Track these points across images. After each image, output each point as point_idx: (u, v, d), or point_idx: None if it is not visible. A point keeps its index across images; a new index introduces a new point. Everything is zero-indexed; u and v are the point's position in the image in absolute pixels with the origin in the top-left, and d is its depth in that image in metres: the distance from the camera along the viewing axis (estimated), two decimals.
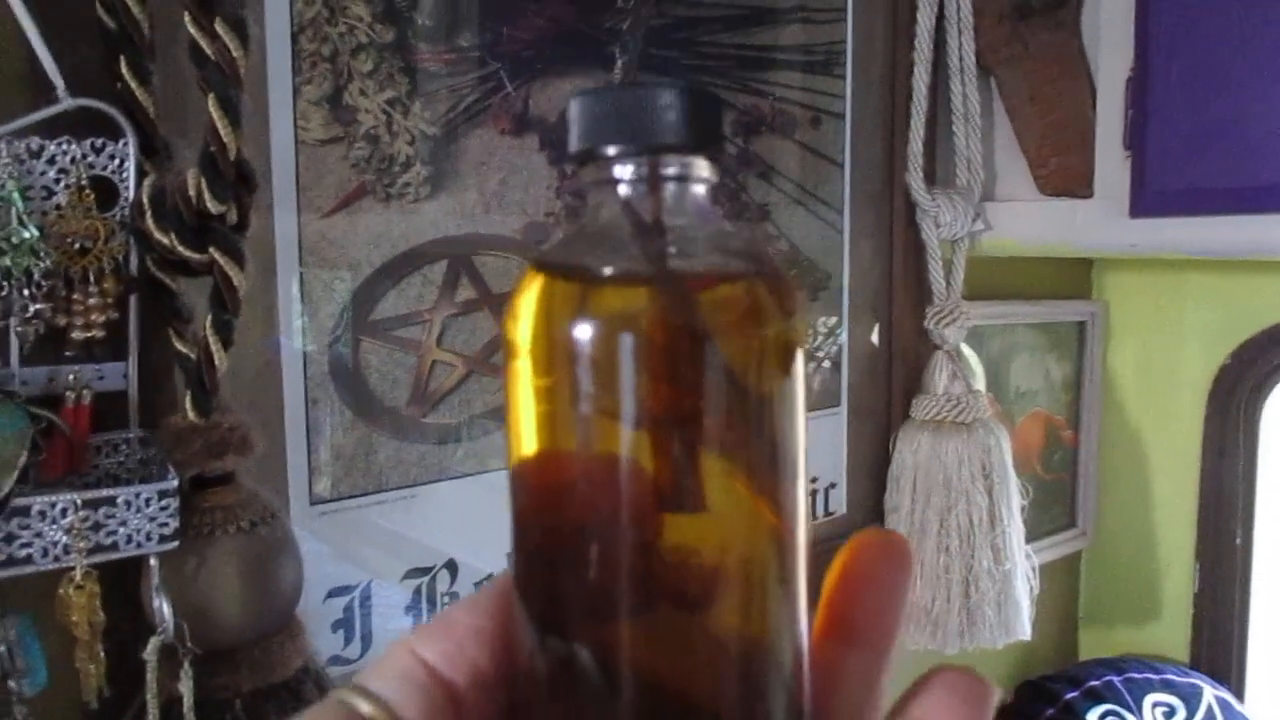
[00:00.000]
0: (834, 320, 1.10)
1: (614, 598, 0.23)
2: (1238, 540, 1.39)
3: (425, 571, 0.81)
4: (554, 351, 0.23)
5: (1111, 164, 1.08)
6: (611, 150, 0.24)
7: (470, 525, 0.83)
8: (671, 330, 0.22)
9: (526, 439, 0.24)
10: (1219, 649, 1.41)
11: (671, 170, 0.24)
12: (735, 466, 0.23)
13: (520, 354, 0.24)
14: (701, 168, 0.25)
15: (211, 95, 0.55)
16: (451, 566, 0.82)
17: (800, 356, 0.24)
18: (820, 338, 1.09)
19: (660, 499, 0.23)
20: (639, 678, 0.23)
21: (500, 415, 0.83)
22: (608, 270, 0.24)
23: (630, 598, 0.23)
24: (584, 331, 0.22)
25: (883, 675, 0.26)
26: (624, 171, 0.24)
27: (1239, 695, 1.38)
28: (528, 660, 0.24)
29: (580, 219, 0.24)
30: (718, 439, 0.23)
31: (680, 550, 0.23)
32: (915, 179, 1.10)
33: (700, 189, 0.25)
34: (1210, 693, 1.34)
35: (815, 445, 1.10)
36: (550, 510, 0.24)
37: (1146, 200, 1.03)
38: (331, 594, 0.76)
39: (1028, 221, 1.16)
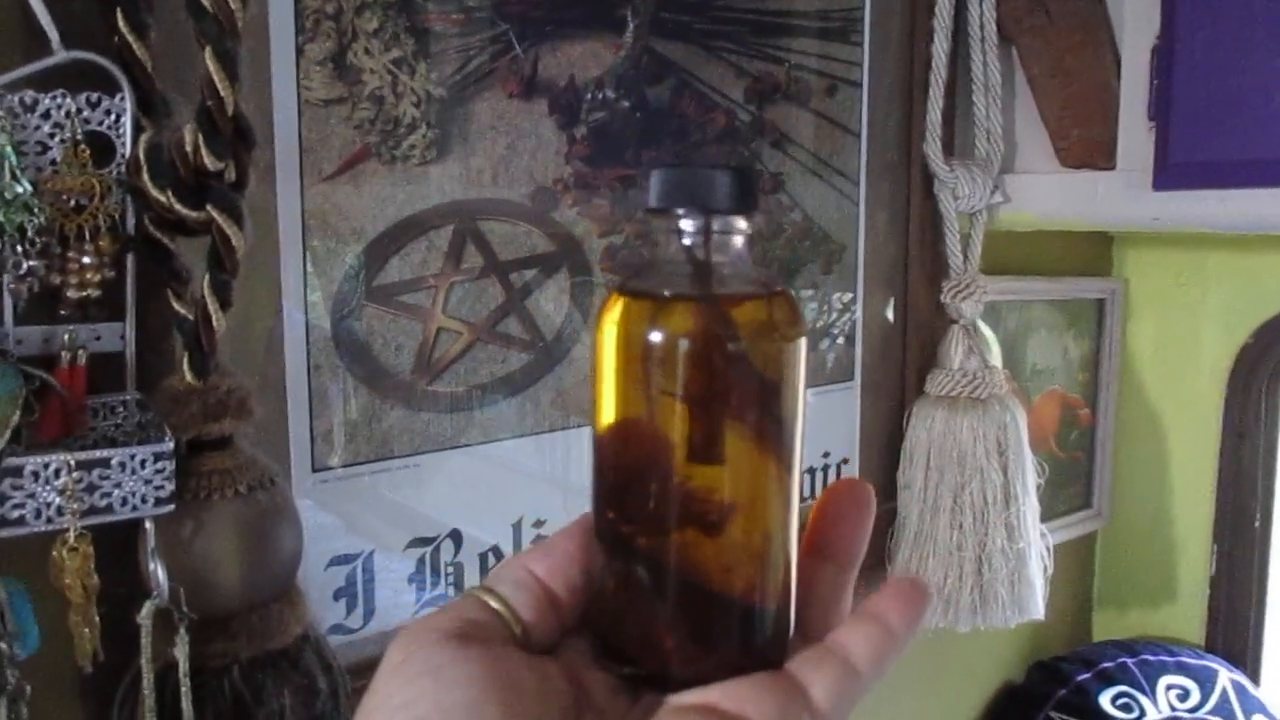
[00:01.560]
0: (849, 296, 1.08)
1: (659, 520, 0.33)
2: (1256, 523, 1.38)
3: (429, 542, 0.80)
4: (630, 349, 0.33)
5: (1135, 136, 1.06)
6: (680, 210, 0.34)
7: (475, 496, 0.82)
8: (712, 338, 0.32)
9: (607, 410, 0.34)
10: (1235, 632, 1.39)
11: (718, 226, 0.34)
12: (750, 433, 0.33)
13: (606, 349, 0.33)
14: (740, 225, 0.35)
15: (209, 48, 0.54)
16: (456, 537, 0.81)
17: (803, 358, 0.34)
18: (834, 312, 1.07)
19: (692, 453, 0.32)
20: (677, 576, 0.33)
21: (505, 387, 0.82)
22: (670, 294, 0.34)
23: (669, 521, 0.33)
24: (653, 336, 0.33)
25: (848, 585, 0.36)
26: (687, 225, 0.34)
27: (1254, 679, 1.37)
28: (600, 565, 0.34)
29: (653, 252, 0.35)
30: (739, 413, 0.33)
31: (704, 489, 0.33)
32: (933, 150, 1.08)
33: (739, 239, 0.35)
34: (1225, 675, 1.32)
35: (828, 419, 1.09)
36: (619, 459, 0.34)
37: (1171, 173, 1.01)
38: (333, 562, 0.75)
39: (1048, 194, 1.13)
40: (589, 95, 0.85)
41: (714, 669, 0.32)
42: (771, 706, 0.31)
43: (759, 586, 0.33)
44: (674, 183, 0.34)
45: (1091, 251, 1.41)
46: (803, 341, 0.34)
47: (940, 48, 1.06)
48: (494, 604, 0.33)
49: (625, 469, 0.34)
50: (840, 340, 1.09)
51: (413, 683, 0.30)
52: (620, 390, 0.33)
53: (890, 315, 1.14)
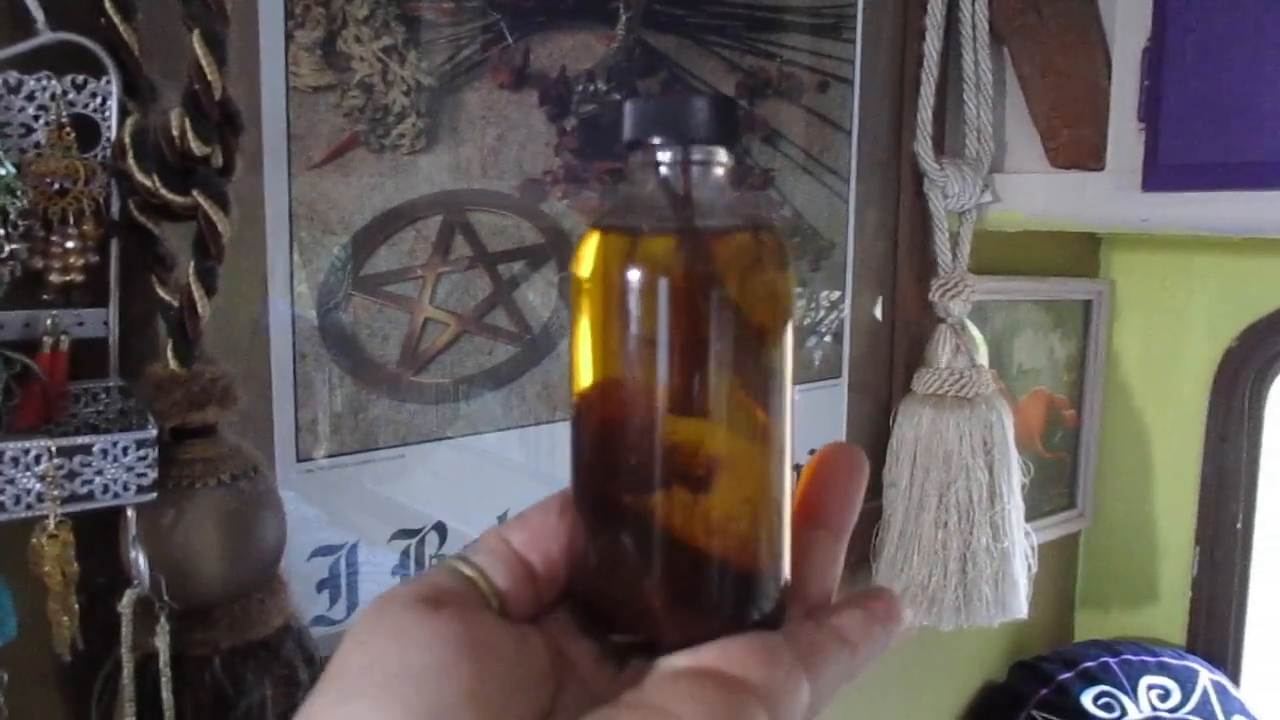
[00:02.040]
0: (837, 294, 1.08)
1: (641, 477, 0.31)
2: (1238, 525, 1.38)
3: (413, 533, 0.79)
4: (608, 287, 0.31)
5: (1125, 137, 1.06)
6: (656, 140, 0.32)
7: (461, 488, 0.82)
8: (693, 275, 0.30)
9: (583, 358, 0.31)
10: (1216, 633, 1.40)
11: (698, 156, 0.32)
12: (736, 381, 0.31)
13: (582, 289, 0.31)
14: (720, 155, 0.32)
15: (196, 31, 0.53)
16: (440, 529, 0.80)
17: (790, 298, 0.32)
18: (822, 310, 1.07)
19: (673, 404, 0.30)
20: (664, 536, 0.31)
21: (492, 379, 0.81)
22: (648, 229, 0.32)
23: (652, 477, 0.30)
24: (630, 273, 0.30)
25: (840, 551, 0.35)
26: (664, 156, 0.32)
27: (1235, 679, 1.37)
28: (581, 530, 0.32)
29: (630, 189, 0.33)
30: (723, 359, 0.30)
31: (688, 443, 0.30)
32: (924, 148, 1.08)
33: (719, 171, 0.32)
34: (1206, 676, 1.33)
35: (815, 417, 1.08)
36: (597, 412, 0.32)
37: (1160, 174, 1.01)
38: (317, 553, 0.74)
39: (1037, 194, 1.13)
40: (580, 87, 0.84)
41: (706, 634, 0.30)
42: (772, 668, 0.29)
43: (751, 545, 0.31)
44: (649, 113, 0.32)
45: (1079, 252, 1.42)
46: (791, 281, 0.32)
47: (932, 46, 1.06)
48: (468, 571, 0.32)
49: (604, 422, 0.31)
50: (828, 338, 1.08)
51: (380, 645, 0.28)
52: (596, 335, 0.31)
53: (878, 313, 1.14)
